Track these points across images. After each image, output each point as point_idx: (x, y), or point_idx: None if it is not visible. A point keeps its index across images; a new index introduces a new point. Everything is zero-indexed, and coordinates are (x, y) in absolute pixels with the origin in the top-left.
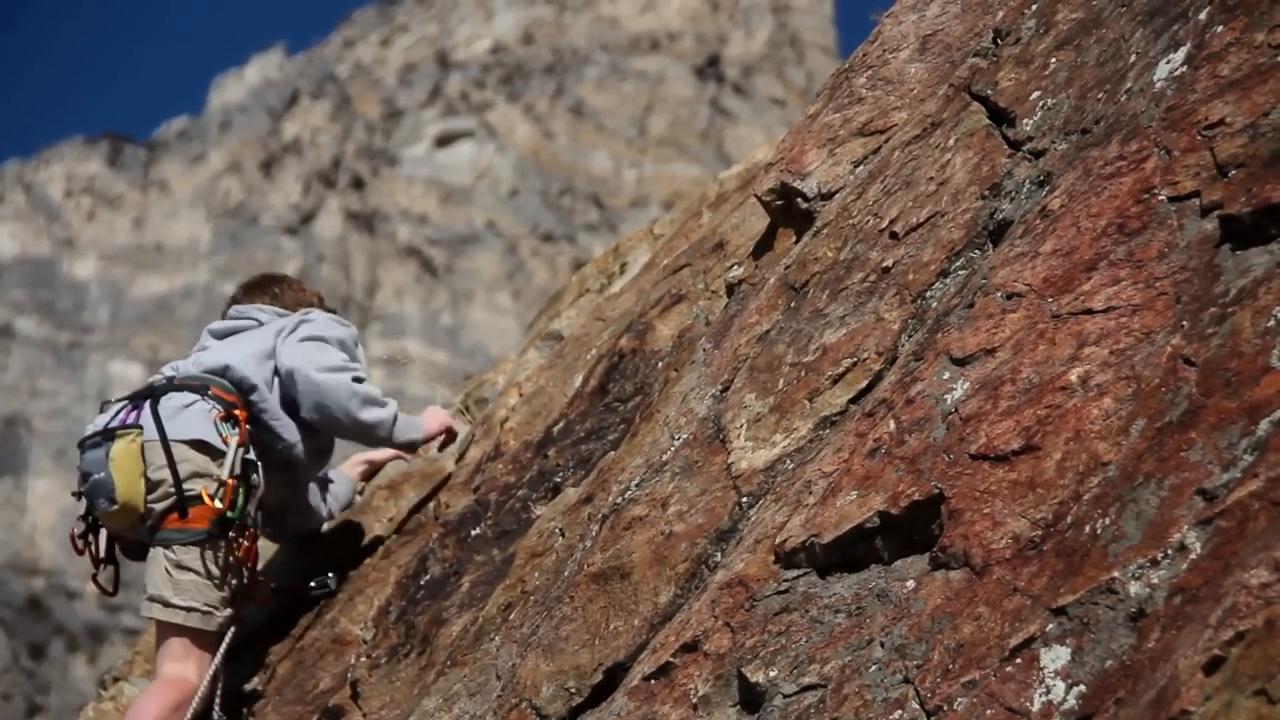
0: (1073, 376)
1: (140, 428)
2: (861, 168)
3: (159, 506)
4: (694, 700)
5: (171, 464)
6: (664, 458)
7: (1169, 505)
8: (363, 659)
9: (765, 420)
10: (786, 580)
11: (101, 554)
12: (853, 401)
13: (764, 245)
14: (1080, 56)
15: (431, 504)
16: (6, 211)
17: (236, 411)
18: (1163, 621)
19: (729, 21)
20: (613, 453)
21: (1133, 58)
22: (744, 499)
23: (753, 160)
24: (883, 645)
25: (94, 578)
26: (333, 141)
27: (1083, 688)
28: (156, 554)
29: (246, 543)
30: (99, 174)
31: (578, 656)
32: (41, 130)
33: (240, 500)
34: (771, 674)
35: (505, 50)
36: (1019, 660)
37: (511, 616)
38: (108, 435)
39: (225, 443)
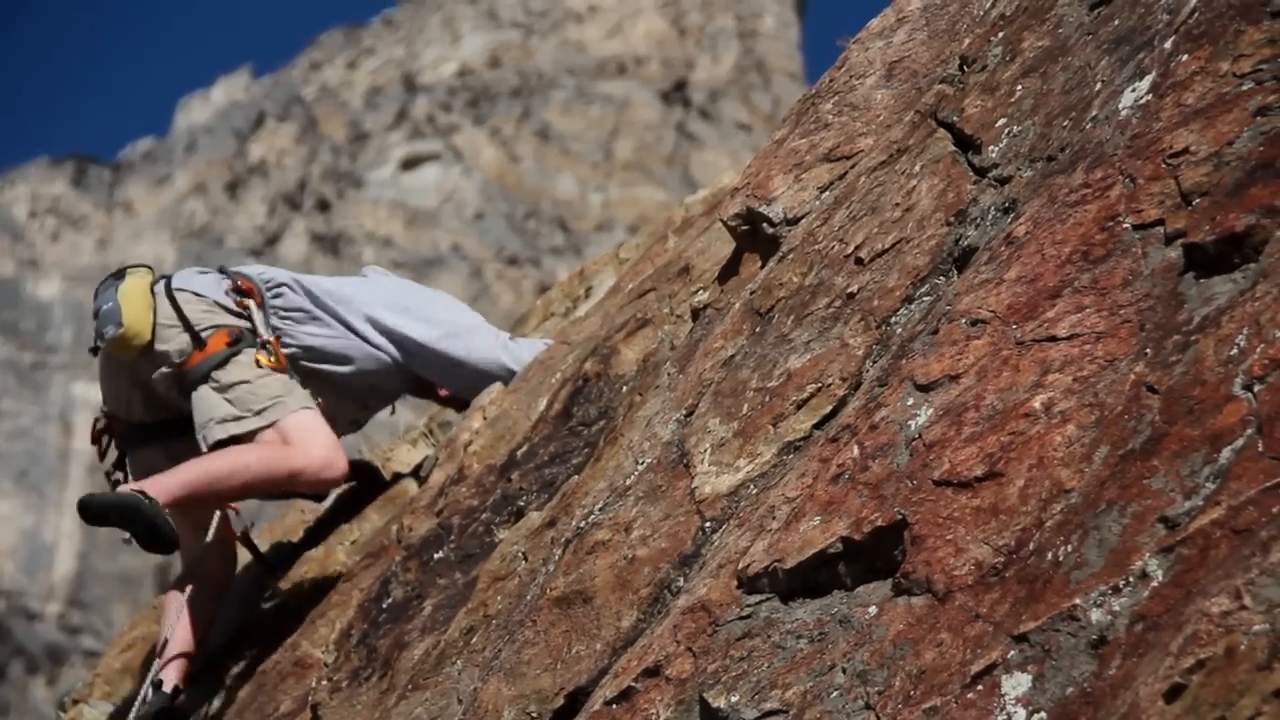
0: (1036, 403)
1: (151, 268)
2: (827, 193)
3: (173, 348)
4: None
5: (176, 306)
6: (628, 482)
7: (1131, 533)
8: (324, 682)
9: (729, 445)
10: (749, 605)
11: (112, 460)
12: (817, 427)
13: (729, 270)
14: (1046, 84)
15: (394, 527)
16: None
17: (248, 291)
18: (1124, 649)
19: (695, 47)
20: (576, 477)
21: (1098, 85)
22: (707, 524)
23: (719, 185)
24: (845, 671)
25: (108, 474)
26: (298, 164)
27: (1044, 715)
28: (200, 394)
29: (272, 352)
30: (64, 195)
31: (539, 681)
32: (6, 151)
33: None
34: (733, 699)
35: (472, 74)
36: (980, 687)
37: (473, 640)
38: (119, 274)
39: (234, 303)
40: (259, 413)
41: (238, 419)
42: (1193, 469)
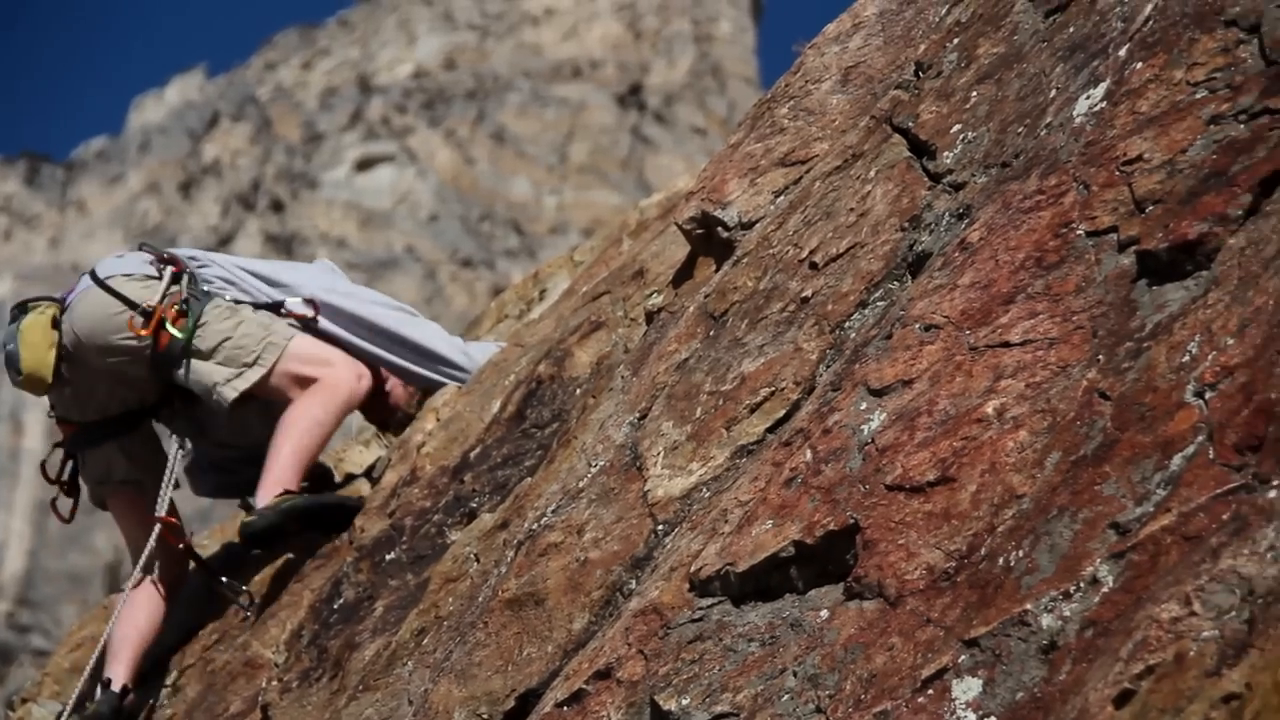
0: (989, 409)
1: (55, 300)
2: (782, 198)
3: (130, 336)
4: None
5: (115, 293)
6: (581, 484)
7: (1082, 538)
8: (274, 682)
9: (683, 448)
10: (701, 608)
11: (66, 479)
12: (770, 431)
13: (684, 274)
14: (1001, 90)
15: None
16: None
17: (171, 260)
18: (1074, 654)
19: (651, 50)
20: (529, 479)
21: (1053, 93)
22: (660, 527)
23: (674, 189)
24: (795, 674)
25: (53, 502)
26: (252, 164)
27: (994, 719)
28: (192, 368)
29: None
30: (16, 193)
31: (490, 683)
32: None
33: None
34: (684, 702)
35: (427, 75)
36: (931, 691)
37: (425, 642)
38: (21, 309)
39: (159, 274)
40: (255, 362)
41: (239, 375)
42: (1144, 475)
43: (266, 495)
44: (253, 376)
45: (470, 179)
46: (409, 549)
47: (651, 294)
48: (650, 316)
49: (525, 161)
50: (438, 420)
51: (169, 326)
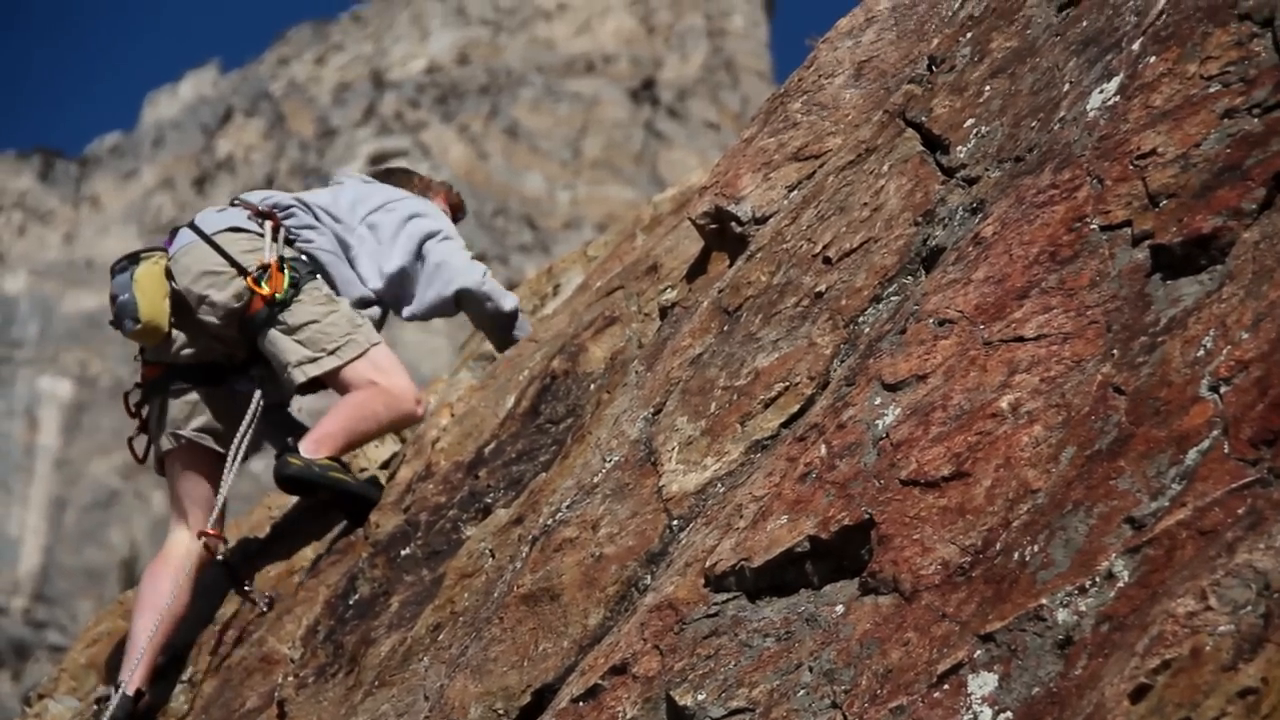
0: (1003, 403)
1: (164, 250)
2: (796, 192)
3: (230, 294)
4: None
5: (218, 248)
6: (595, 480)
7: (1097, 533)
8: (290, 678)
9: (697, 443)
10: (716, 604)
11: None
12: (784, 426)
13: (698, 268)
14: (1014, 85)
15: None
16: None
17: (268, 215)
18: (1090, 649)
19: (664, 45)
20: (544, 474)
21: (1066, 87)
22: (675, 522)
23: (687, 183)
24: (811, 670)
25: (130, 440)
26: (266, 159)
27: (1009, 714)
28: (271, 338)
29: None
30: (30, 189)
31: (506, 678)
32: None
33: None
34: (700, 697)
35: (440, 70)
36: (946, 686)
37: (440, 637)
38: (133, 259)
39: (260, 228)
40: (333, 351)
41: (314, 360)
42: (1159, 470)
43: (310, 448)
44: (327, 365)
45: (484, 174)
46: (424, 544)
47: (665, 289)
48: (664, 311)
49: (539, 156)
50: (452, 416)
51: (264, 285)
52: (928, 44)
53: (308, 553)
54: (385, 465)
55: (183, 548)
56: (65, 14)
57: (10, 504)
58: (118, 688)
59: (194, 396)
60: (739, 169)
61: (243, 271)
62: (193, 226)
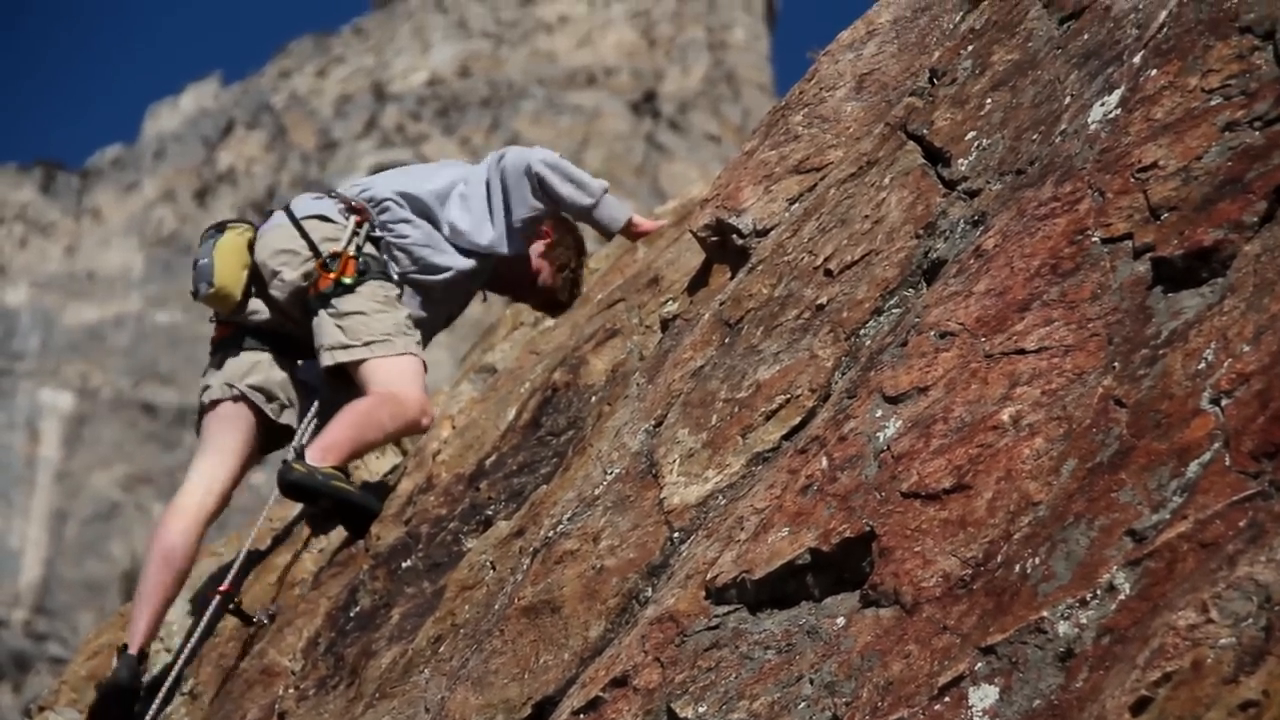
0: (1004, 416)
1: (250, 224)
2: (797, 205)
3: (299, 273)
4: None
5: (302, 231)
6: (596, 492)
7: (1098, 546)
8: (291, 690)
9: (698, 456)
10: (717, 616)
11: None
12: (785, 438)
13: (699, 281)
14: (1015, 98)
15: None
16: None
17: (360, 210)
18: (1091, 662)
19: (665, 58)
20: (545, 486)
21: (1067, 99)
22: (676, 534)
23: (688, 196)
24: (812, 682)
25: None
26: (267, 171)
27: None
28: (320, 319)
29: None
30: (31, 201)
31: (507, 690)
32: None
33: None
34: (701, 710)
35: (441, 83)
36: (947, 699)
37: (441, 649)
38: (219, 228)
39: (345, 219)
40: (366, 344)
41: (345, 347)
42: (1160, 483)
43: (316, 455)
44: (356, 355)
45: None
46: (425, 556)
47: (666, 301)
48: (665, 324)
49: None
50: (453, 428)
51: (332, 270)
52: (929, 57)
53: (309, 565)
54: (386, 477)
55: (195, 498)
56: (66, 27)
57: (11, 516)
58: (124, 648)
59: (257, 357)
60: (740, 181)
61: (317, 255)
62: (286, 209)
